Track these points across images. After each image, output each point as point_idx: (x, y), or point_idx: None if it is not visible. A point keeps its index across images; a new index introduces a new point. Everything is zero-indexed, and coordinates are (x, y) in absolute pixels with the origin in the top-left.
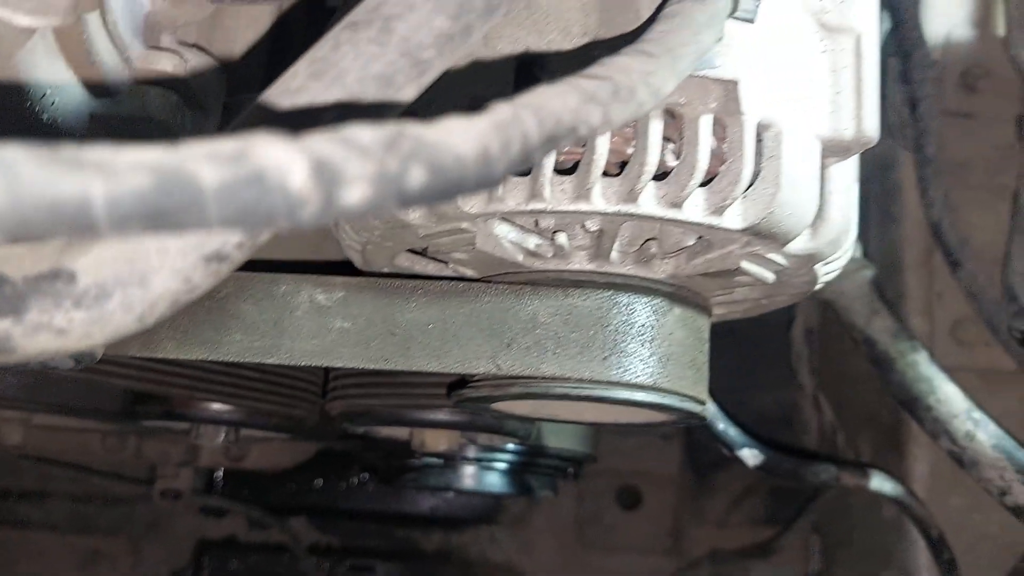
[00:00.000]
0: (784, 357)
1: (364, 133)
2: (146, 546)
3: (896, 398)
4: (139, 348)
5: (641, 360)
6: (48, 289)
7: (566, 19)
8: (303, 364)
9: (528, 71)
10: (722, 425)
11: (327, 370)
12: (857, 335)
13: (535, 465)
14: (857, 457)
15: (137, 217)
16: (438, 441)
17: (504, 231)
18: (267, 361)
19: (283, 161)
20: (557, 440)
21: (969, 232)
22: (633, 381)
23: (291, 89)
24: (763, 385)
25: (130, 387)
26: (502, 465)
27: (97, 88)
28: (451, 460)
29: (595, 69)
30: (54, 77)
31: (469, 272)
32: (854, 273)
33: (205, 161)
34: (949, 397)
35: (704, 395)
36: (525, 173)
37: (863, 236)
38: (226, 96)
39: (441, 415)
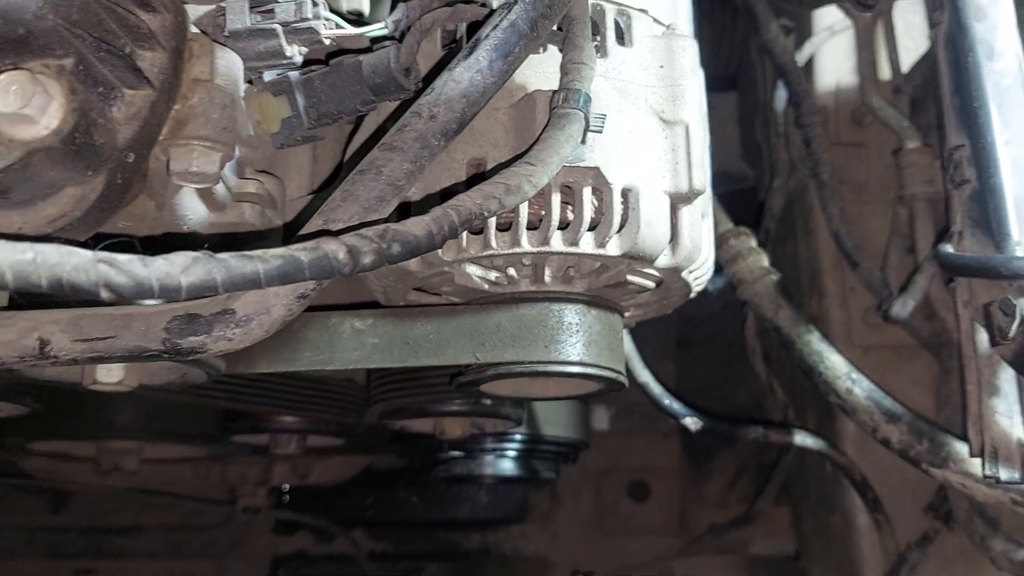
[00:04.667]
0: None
1: (370, 231)
2: (230, 564)
3: (799, 368)
4: (243, 366)
5: (571, 346)
6: (221, 319)
7: (494, 136)
8: (350, 368)
9: (480, 173)
10: (667, 400)
11: (367, 385)
12: (768, 324)
13: (537, 451)
14: (804, 426)
15: (278, 278)
16: (454, 428)
17: (473, 270)
18: (327, 368)
19: (334, 248)
20: (553, 429)
21: (868, 239)
22: (566, 359)
23: (332, 206)
24: (740, 380)
25: (225, 406)
26: (511, 452)
27: (213, 206)
28: (471, 452)
29: (497, 176)
30: (189, 205)
31: (456, 299)
32: (763, 278)
33: (302, 250)
34: (835, 364)
35: (620, 368)
36: (479, 232)
37: (792, 247)
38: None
39: (453, 406)
